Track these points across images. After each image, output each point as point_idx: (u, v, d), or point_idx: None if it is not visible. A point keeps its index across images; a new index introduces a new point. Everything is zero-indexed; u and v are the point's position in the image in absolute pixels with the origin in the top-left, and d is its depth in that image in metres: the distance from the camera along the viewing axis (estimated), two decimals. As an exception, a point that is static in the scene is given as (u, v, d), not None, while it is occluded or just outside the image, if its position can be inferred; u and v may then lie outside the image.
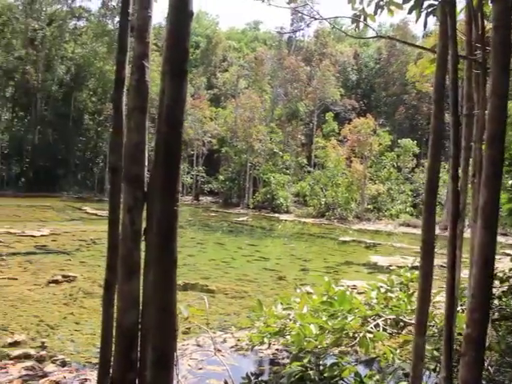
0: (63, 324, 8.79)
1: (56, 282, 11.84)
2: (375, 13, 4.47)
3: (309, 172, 48.35)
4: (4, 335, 7.93)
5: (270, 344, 6.88)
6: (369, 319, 5.70)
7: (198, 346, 7.93)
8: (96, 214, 29.96)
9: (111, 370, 3.32)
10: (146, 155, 3.29)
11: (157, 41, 38.74)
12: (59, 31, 54.39)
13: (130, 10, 3.32)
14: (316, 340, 5.13)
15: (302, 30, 60.14)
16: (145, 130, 3.25)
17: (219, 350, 7.26)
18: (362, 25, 4.79)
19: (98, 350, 7.31)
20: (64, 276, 12.30)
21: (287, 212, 42.10)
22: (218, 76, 63.24)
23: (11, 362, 6.84)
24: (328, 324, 5.30)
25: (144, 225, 3.22)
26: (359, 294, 8.34)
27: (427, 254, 3.03)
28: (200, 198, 52.67)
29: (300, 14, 53.93)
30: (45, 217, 27.24)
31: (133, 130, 3.18)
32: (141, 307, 3.22)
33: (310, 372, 4.93)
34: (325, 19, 6.21)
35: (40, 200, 37.73)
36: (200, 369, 6.93)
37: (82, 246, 17.51)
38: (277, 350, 7.74)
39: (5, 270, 12.75)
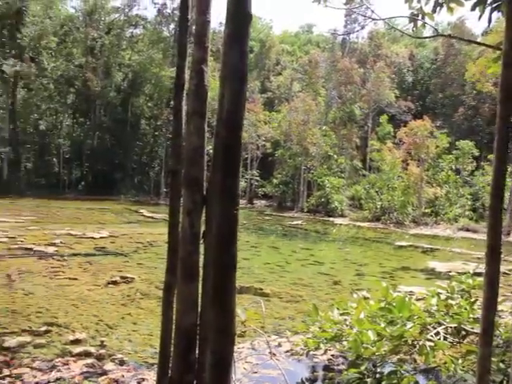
0: (121, 324, 8.97)
1: (114, 282, 12.13)
2: (434, 11, 4.36)
3: (364, 175, 47.68)
4: (66, 333, 8.17)
5: (325, 350, 6.80)
6: (429, 327, 5.52)
7: (253, 349, 7.93)
8: (152, 217, 30.55)
9: (170, 371, 3.36)
10: (205, 159, 3.32)
11: (211, 46, 39.08)
12: (117, 39, 55.94)
13: (189, 16, 3.36)
14: (374, 347, 5.01)
15: (358, 31, 59.38)
16: (204, 133, 3.28)
17: (274, 354, 7.24)
18: (418, 24, 4.68)
19: (155, 351, 7.45)
20: (122, 277, 12.58)
21: (342, 216, 41.58)
22: (271, 80, 63.38)
23: (73, 358, 7.06)
24: (386, 331, 5.18)
25: (203, 228, 3.24)
26: (417, 300, 8.13)
27: (493, 260, 2.91)
28: (254, 202, 52.79)
29: (354, 16, 53.74)
30: (103, 219, 27.97)
31: (192, 134, 3.22)
32: (199, 309, 3.25)
33: (368, 380, 4.83)
34: (382, 19, 6.11)
35: (99, 203, 38.86)
36: (255, 372, 6.92)
37: (139, 248, 17.86)
38: (332, 355, 7.64)
39: (66, 271, 13.15)
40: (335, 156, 47.45)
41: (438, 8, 4.34)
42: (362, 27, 59.83)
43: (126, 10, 57.53)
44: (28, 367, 6.59)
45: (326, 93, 55.15)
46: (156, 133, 57.26)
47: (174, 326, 3.35)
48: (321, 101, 53.46)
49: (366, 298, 7.08)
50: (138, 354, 7.50)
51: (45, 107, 53.12)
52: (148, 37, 58.63)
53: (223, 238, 2.86)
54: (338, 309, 6.13)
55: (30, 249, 15.78)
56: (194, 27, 3.43)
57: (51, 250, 15.83)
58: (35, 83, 50.57)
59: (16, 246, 16.12)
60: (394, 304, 5.62)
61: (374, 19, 6.08)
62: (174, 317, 3.30)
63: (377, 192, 40.04)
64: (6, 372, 6.30)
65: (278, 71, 66.00)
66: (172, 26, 58.19)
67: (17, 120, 50.70)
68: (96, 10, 54.50)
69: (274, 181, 49.75)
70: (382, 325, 5.30)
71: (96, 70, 53.38)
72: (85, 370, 6.67)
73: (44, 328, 8.27)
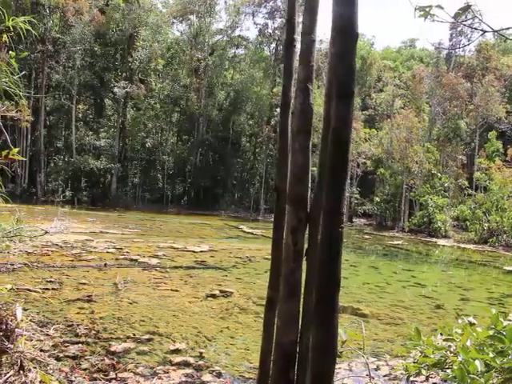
0: (219, 337, 9.10)
1: (213, 296, 12.34)
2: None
3: (469, 195, 45.47)
4: (167, 342, 8.41)
5: (427, 376, 6.50)
6: (545, 360, 5.11)
7: (350, 370, 7.74)
8: (252, 233, 30.94)
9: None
10: (310, 176, 3.32)
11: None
12: (220, 60, 57.86)
13: (295, 36, 3.41)
14: (481, 378, 4.72)
15: (465, 46, 57.15)
16: (309, 151, 3.28)
17: (372, 378, 7.03)
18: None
19: (251, 365, 7.49)
20: (221, 291, 12.78)
21: (445, 237, 39.80)
22: (372, 96, 62.50)
23: (173, 367, 7.24)
24: (496, 362, 4.84)
25: (306, 245, 3.23)
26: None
27: None
28: (353, 220, 52.03)
29: (459, 28, 51.78)
30: (204, 234, 28.71)
31: (297, 152, 3.24)
32: (300, 327, 3.23)
33: (474, 413, 4.54)
34: (493, 31, 5.82)
35: (200, 218, 40.01)
36: (352, 395, 6.76)
37: (238, 263, 18.08)
38: (434, 383, 7.29)
39: (168, 282, 13.58)
40: (439, 174, 45.67)
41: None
42: (469, 40, 57.23)
43: (229, 32, 59.45)
44: (132, 372, 6.85)
45: (429, 109, 53.42)
46: (256, 150, 58.33)
47: (273, 343, 3.35)
48: (424, 117, 51.84)
49: (472, 325, 6.71)
50: (234, 368, 7.56)
51: (151, 126, 55.89)
52: (249, 56, 60.21)
53: (327, 257, 2.83)
54: (441, 334, 5.85)
55: (135, 260, 16.46)
56: (298, 46, 3.47)
57: (154, 261, 16.42)
58: (143, 103, 53.47)
59: (122, 257, 16.90)
60: (505, 333, 5.26)
61: (484, 31, 5.78)
62: (274, 333, 3.31)
63: (484, 213, 37.95)
64: (112, 375, 6.60)
65: (379, 88, 64.98)
66: (273, 45, 59.34)
67: (126, 138, 53.80)
68: (200, 32, 56.77)
69: (375, 199, 48.75)
70: (491, 355, 4.97)
71: (199, 90, 55.49)
72: (184, 379, 6.82)
73: (147, 336, 8.55)
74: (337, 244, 2.84)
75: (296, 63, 3.58)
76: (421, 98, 53.39)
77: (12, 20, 4.30)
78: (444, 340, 5.75)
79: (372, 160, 52.07)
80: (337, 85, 2.89)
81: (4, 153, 4.34)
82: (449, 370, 5.27)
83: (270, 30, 58.27)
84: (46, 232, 20.61)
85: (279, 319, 3.24)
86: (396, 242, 33.96)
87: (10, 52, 3.83)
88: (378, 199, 48.30)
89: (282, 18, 56.93)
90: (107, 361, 7.13)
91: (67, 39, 48.56)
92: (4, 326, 4.85)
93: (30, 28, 4.80)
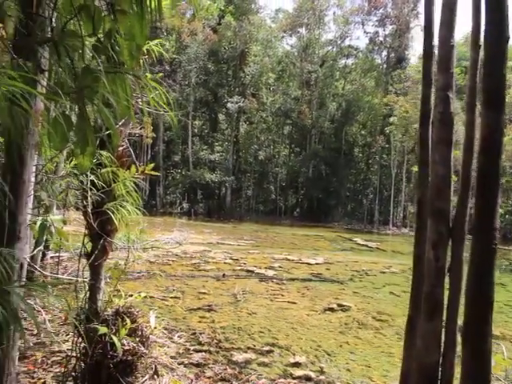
0: (339, 352, 8.93)
1: (331, 309, 12.17)
2: None
3: None
4: (286, 355, 8.39)
5: None
6: None
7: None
8: (367, 246, 30.29)
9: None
10: (452, 189, 3.16)
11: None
12: (330, 71, 57.74)
13: (434, 43, 3.27)
14: None
15: None
16: (450, 162, 3.12)
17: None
18: None
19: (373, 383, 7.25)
20: (339, 305, 12.58)
21: None
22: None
23: (294, 381, 7.21)
24: None
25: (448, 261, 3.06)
26: None
27: None
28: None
29: None
30: (318, 245, 28.54)
31: (438, 163, 3.09)
32: (442, 349, 3.06)
33: None
34: None
35: (313, 229, 39.88)
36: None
37: (354, 276, 17.73)
38: None
39: (285, 294, 13.61)
40: None
41: None
42: None
43: (339, 42, 59.19)
44: (253, 384, 6.92)
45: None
46: (369, 160, 57.31)
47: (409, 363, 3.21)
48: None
49: None
50: (356, 385, 7.39)
51: (264, 138, 56.87)
52: (360, 66, 59.44)
53: (478, 275, 2.65)
54: None
55: (252, 271, 16.68)
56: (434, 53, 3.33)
57: (271, 273, 16.55)
58: (256, 117, 54.61)
59: (239, 268, 17.22)
60: None
61: None
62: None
63: None
64: (235, 384, 6.71)
65: None
66: (384, 53, 58.22)
67: (239, 151, 55.22)
68: (310, 44, 57.05)
69: (500, 211, 45.82)
70: None
71: (311, 102, 55.67)
72: (307, 394, 6.79)
73: (267, 348, 8.59)
74: (489, 262, 2.65)
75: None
76: None
77: (147, 44, 4.55)
78: None
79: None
80: (485, 92, 2.72)
81: (141, 169, 4.60)
82: None
83: (380, 38, 57.34)
84: (179, 244, 21.61)
85: (420, 339, 3.08)
86: (524, 257, 31.64)
87: (146, 73, 4.04)
88: (501, 211, 45.33)
89: (392, 24, 55.77)
90: (230, 370, 7.25)
91: (183, 58, 50.92)
92: (140, 333, 5.11)
93: (162, 50, 5.05)
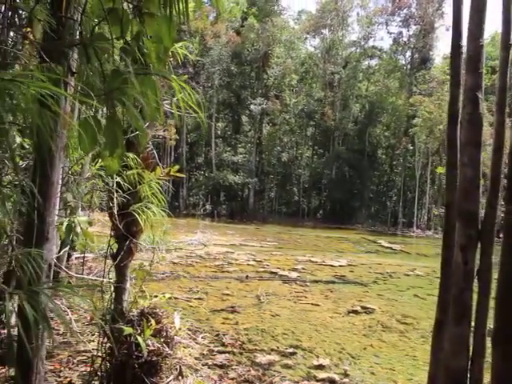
0: (363, 355, 8.85)
1: (355, 312, 12.07)
2: None
3: None
4: (310, 357, 8.35)
5: None
6: None
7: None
8: (391, 248, 30.01)
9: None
10: (481, 191, 3.11)
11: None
12: (353, 72, 57.35)
13: (462, 43, 3.23)
14: None
15: None
16: (479, 164, 3.07)
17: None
18: None
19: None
20: (362, 307, 12.47)
21: None
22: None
23: (317, 383, 7.19)
24: None
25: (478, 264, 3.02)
26: None
27: None
28: (500, 236, 48.48)
29: None
30: (341, 247, 28.38)
31: (466, 165, 3.04)
32: (471, 353, 3.01)
33: None
34: None
35: (336, 231, 39.70)
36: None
37: (378, 278, 17.57)
38: None
39: (308, 296, 13.54)
40: None
41: None
42: None
43: (362, 43, 58.85)
44: (278, 386, 6.90)
45: None
46: (393, 162, 56.85)
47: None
48: None
49: None
50: (380, 389, 7.33)
51: (287, 140, 56.82)
52: (384, 67, 58.96)
53: (509, 278, 2.61)
54: None
55: (275, 273, 16.65)
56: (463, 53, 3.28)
57: (294, 275, 16.50)
58: (279, 118, 54.62)
59: (262, 270, 17.20)
60: None
61: None
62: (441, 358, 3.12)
63: None
64: (258, 386, 6.71)
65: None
66: (408, 53, 57.72)
67: (262, 153, 55.26)
68: (333, 45, 56.84)
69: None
70: None
71: (334, 103, 55.46)
72: (331, 396, 6.75)
73: (290, 350, 8.56)
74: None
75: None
76: None
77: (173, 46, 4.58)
78: None
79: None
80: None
81: (166, 170, 4.64)
82: None
83: (404, 39, 56.88)
84: (205, 245, 21.75)
85: (448, 343, 3.04)
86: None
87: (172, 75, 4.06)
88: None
89: (416, 25, 55.27)
90: (253, 372, 7.24)
91: (206, 61, 51.17)
92: (165, 333, 5.14)
93: (187, 53, 5.08)
